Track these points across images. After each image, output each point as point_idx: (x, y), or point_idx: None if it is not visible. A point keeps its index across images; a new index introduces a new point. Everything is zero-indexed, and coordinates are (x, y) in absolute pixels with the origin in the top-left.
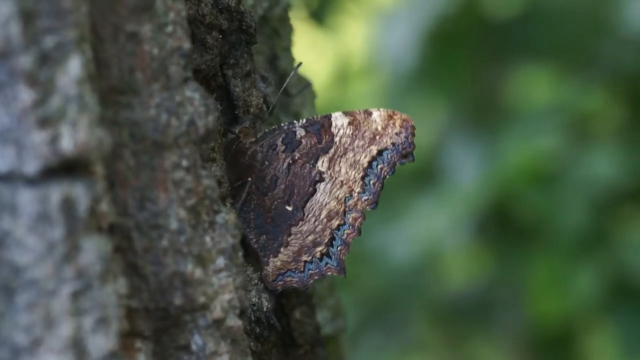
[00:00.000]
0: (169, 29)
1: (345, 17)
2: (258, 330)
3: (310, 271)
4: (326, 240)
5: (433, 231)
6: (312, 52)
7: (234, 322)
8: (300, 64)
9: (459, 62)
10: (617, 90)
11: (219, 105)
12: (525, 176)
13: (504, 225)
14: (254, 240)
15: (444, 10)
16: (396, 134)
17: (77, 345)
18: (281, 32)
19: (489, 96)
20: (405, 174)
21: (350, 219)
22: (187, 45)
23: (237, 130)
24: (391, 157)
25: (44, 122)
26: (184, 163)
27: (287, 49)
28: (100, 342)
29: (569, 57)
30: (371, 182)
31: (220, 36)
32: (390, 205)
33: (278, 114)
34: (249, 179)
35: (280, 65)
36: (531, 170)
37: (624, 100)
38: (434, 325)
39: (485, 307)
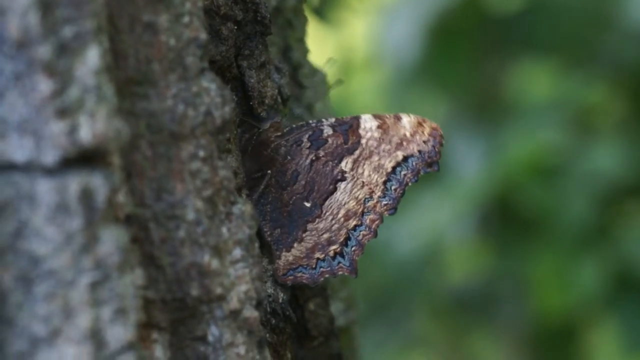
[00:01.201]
0: (186, 19)
1: (347, 11)
2: (274, 321)
3: (321, 269)
4: (341, 239)
5: (436, 225)
6: (313, 47)
7: (250, 313)
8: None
9: (461, 56)
10: (619, 84)
11: (234, 97)
12: (528, 170)
13: (506, 219)
14: (268, 233)
15: (445, 5)
16: (424, 141)
17: (96, 336)
18: (295, 23)
19: (491, 90)
20: None
21: (368, 221)
22: (203, 35)
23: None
24: (416, 164)
25: (63, 113)
26: (201, 154)
27: (301, 40)
28: (119, 333)
29: (571, 51)
30: (393, 187)
31: (235, 27)
32: None
33: (291, 105)
34: (269, 171)
35: (294, 56)
36: (534, 164)
37: (626, 94)
38: (436, 319)
39: (488, 300)
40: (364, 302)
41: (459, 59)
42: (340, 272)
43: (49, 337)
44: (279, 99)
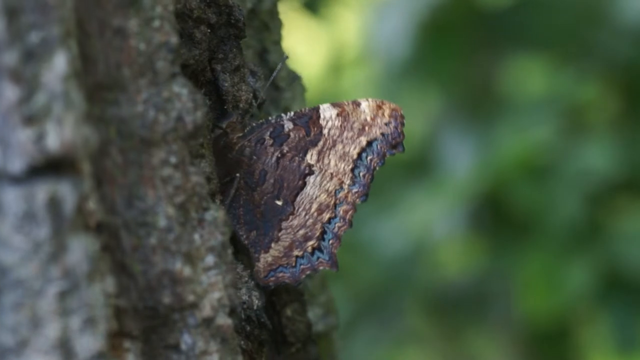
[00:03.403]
0: (156, 23)
1: (339, 6)
2: (248, 328)
3: (302, 266)
4: (317, 234)
5: (426, 222)
6: (305, 43)
7: (223, 320)
8: (286, 57)
9: (452, 51)
10: (612, 81)
11: (207, 101)
12: (519, 167)
13: (497, 216)
14: (244, 236)
15: (437, 0)
16: (385, 124)
17: (64, 346)
18: (270, 26)
19: (483, 86)
20: (398, 164)
21: (341, 212)
22: (174, 39)
23: (224, 125)
24: (381, 147)
25: (30, 120)
26: (172, 160)
27: (277, 43)
28: (88, 343)
29: (564, 47)
30: (361, 174)
31: (209, 30)
32: (383, 195)
33: (268, 109)
34: (237, 174)
35: (271, 59)
36: (525, 161)
37: (619, 91)
38: (428, 317)
39: (479, 298)
40: (355, 299)
41: (451, 54)
42: (321, 267)
43: (17, 347)
44: (254, 103)
